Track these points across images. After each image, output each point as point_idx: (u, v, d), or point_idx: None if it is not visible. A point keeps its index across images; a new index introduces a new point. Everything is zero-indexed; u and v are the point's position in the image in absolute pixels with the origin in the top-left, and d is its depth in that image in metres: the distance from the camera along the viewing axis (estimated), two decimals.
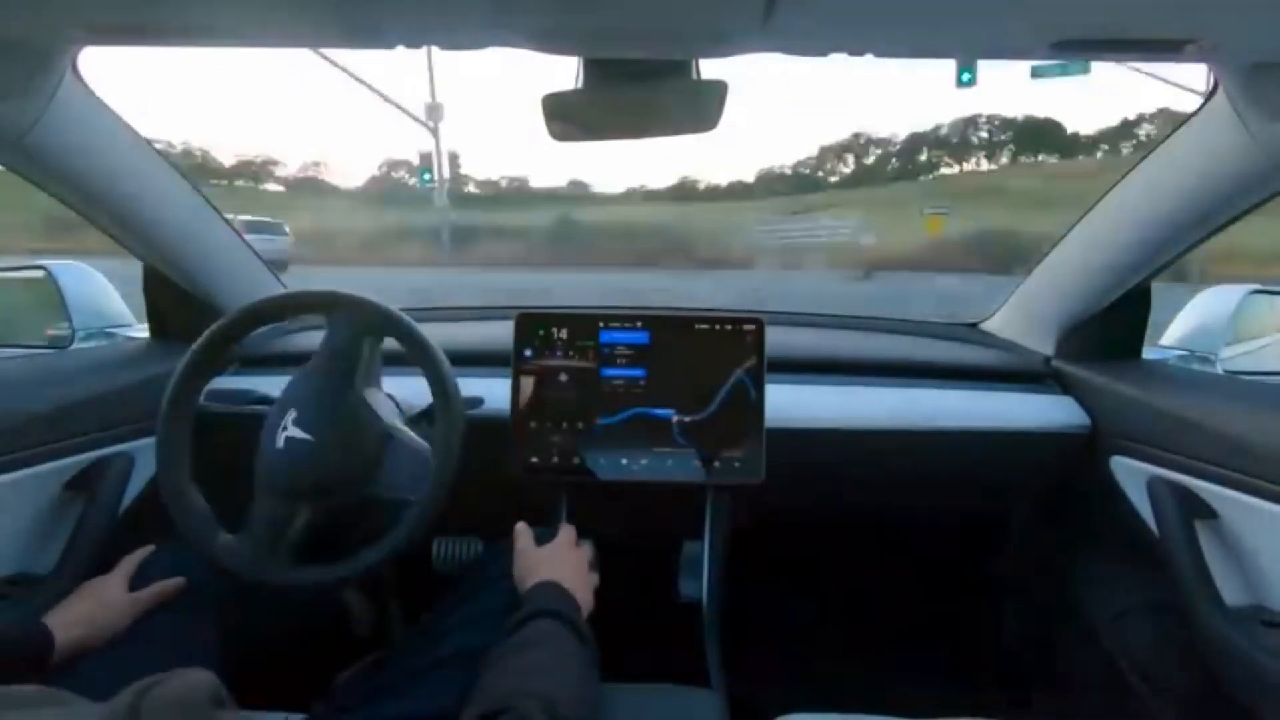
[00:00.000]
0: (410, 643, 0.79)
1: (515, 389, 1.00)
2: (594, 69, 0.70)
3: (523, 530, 0.82)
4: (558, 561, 0.77)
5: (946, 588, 1.40)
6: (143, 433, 0.99)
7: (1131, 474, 0.99)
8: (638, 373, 1.01)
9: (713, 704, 0.82)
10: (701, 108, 0.75)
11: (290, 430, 0.80)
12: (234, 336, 0.88)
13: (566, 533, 0.84)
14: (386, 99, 16.54)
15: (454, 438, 0.82)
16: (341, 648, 1.08)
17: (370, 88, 16.15)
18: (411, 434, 0.86)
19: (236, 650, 0.80)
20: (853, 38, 0.63)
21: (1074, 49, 0.61)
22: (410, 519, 0.81)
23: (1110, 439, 1.04)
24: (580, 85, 0.71)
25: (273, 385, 0.90)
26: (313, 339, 1.24)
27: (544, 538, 0.82)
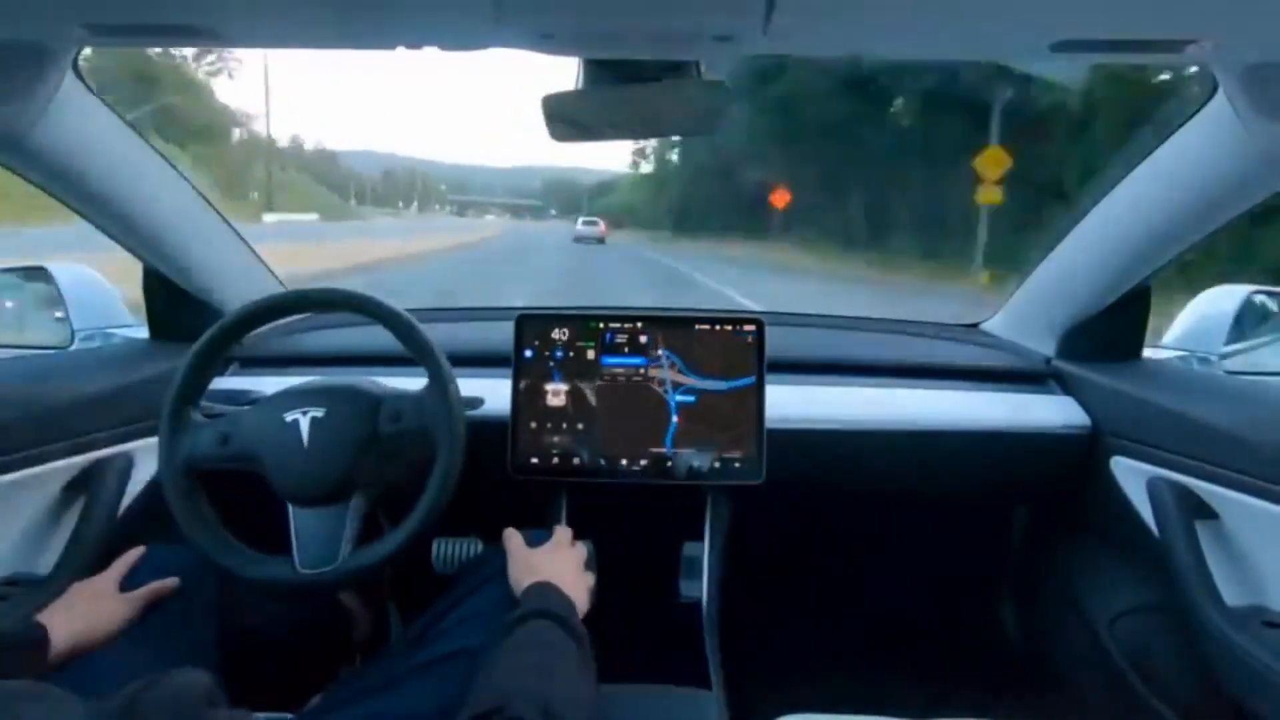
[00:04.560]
0: (407, 641, 0.79)
1: (515, 389, 1.00)
2: (594, 69, 0.70)
3: (513, 533, 0.82)
4: (552, 562, 0.77)
5: (947, 588, 1.40)
6: (143, 433, 0.98)
7: (1132, 474, 0.99)
8: (637, 372, 1.01)
9: (713, 705, 0.82)
10: (702, 108, 0.75)
11: (307, 419, 0.81)
12: (234, 337, 0.88)
13: (561, 533, 0.84)
14: None
15: (455, 438, 0.82)
16: (339, 648, 1.07)
17: None
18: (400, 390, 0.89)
19: (234, 650, 0.80)
20: (853, 38, 0.63)
21: (1074, 49, 0.61)
22: (412, 519, 0.81)
23: (1110, 439, 1.04)
24: (580, 86, 0.71)
25: (273, 385, 0.90)
26: (313, 339, 1.25)
27: (538, 539, 0.82)
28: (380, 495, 0.85)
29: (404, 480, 0.86)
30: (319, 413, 0.82)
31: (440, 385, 0.83)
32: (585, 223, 23.84)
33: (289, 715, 0.74)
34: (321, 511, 0.82)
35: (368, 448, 0.82)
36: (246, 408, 0.87)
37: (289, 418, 0.82)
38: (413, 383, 0.90)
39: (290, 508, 0.83)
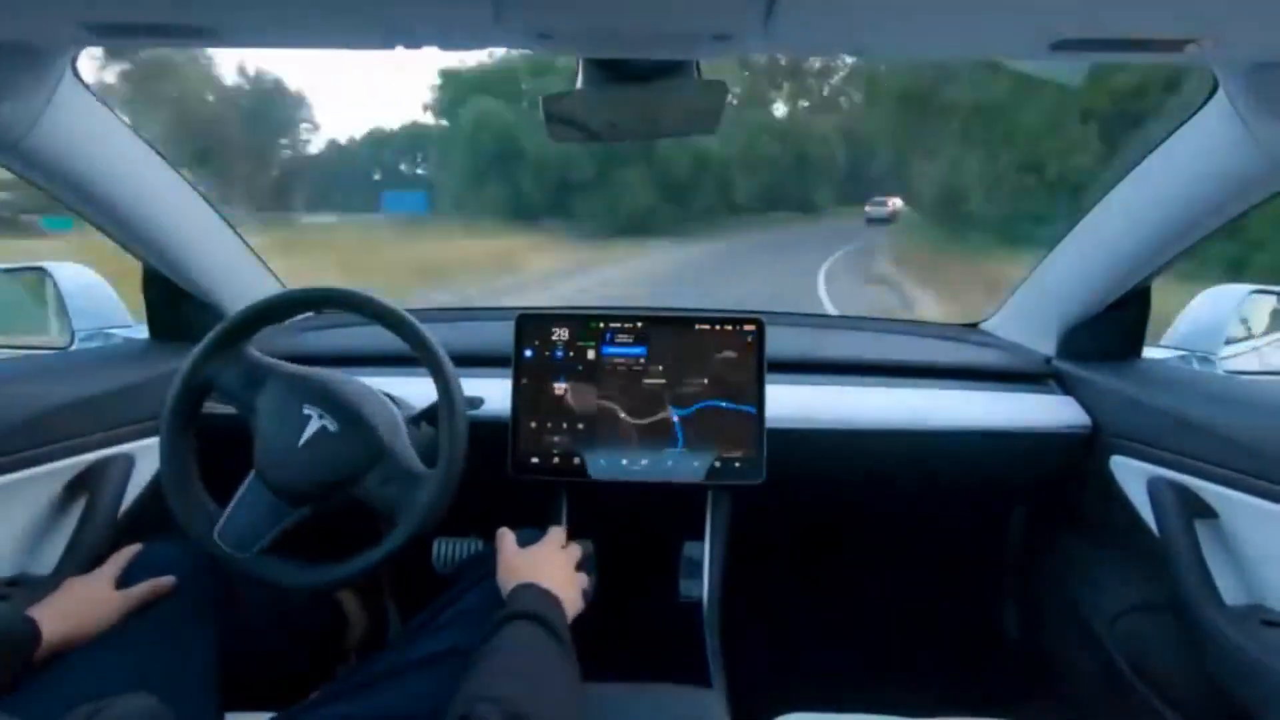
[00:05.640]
0: (400, 641, 0.79)
1: (515, 389, 1.00)
2: (594, 69, 0.70)
3: (505, 534, 0.82)
4: (541, 563, 0.77)
5: (947, 587, 1.40)
6: (143, 433, 0.99)
7: (1132, 474, 0.99)
8: (637, 372, 1.01)
9: (713, 704, 0.82)
10: (702, 108, 0.75)
11: (318, 425, 0.81)
12: (236, 338, 0.87)
13: (554, 534, 0.84)
14: None
15: (457, 437, 0.82)
16: (337, 648, 1.08)
17: None
18: (406, 439, 0.86)
19: (231, 649, 0.80)
20: (853, 37, 0.63)
21: (1074, 48, 0.61)
22: (413, 519, 0.81)
23: (1111, 439, 1.04)
24: (580, 86, 0.71)
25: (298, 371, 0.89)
26: (313, 339, 1.25)
27: (531, 539, 0.82)
28: (326, 518, 0.84)
29: (356, 520, 0.85)
30: (331, 426, 0.81)
31: (445, 391, 0.83)
32: (874, 203, 20.49)
33: (280, 713, 0.74)
34: (268, 498, 0.81)
35: (345, 483, 0.81)
36: (285, 369, 0.86)
37: (305, 410, 0.81)
38: (413, 383, 0.89)
39: (251, 476, 0.82)
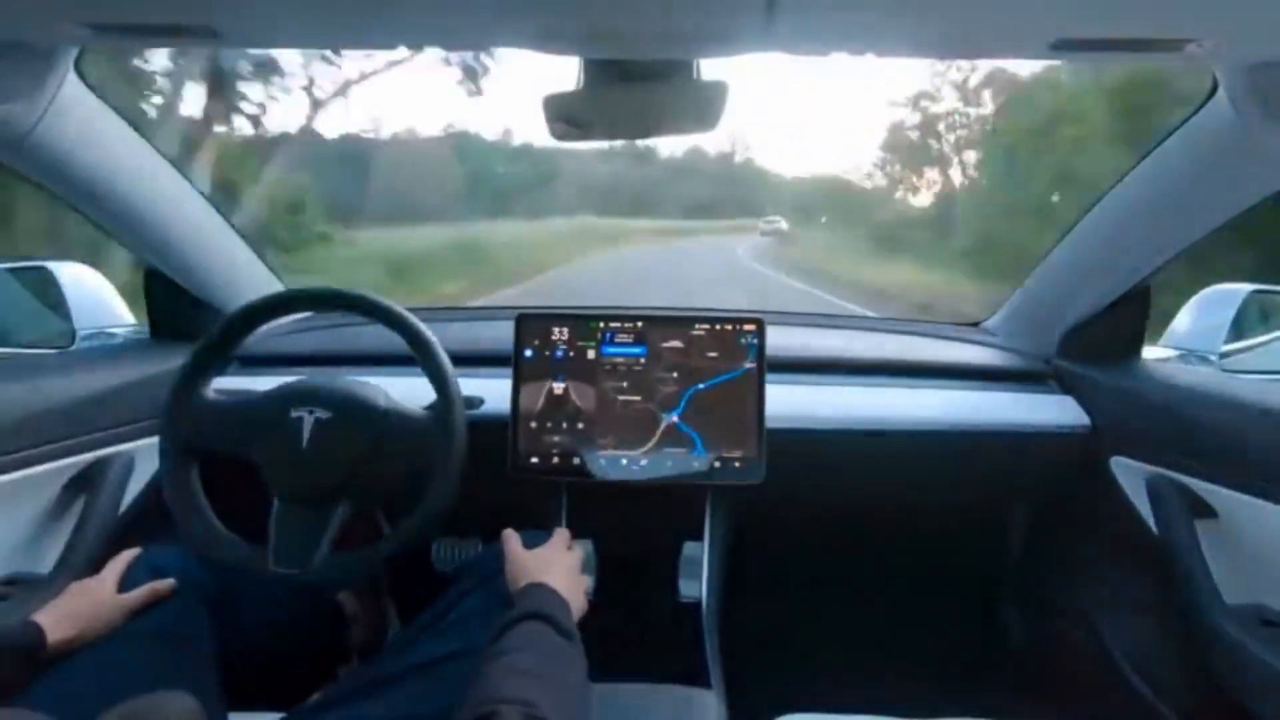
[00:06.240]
0: (404, 642, 0.79)
1: (515, 389, 1.00)
2: (594, 69, 0.70)
3: (510, 535, 0.82)
4: (547, 563, 0.77)
5: (947, 587, 1.40)
6: (143, 433, 0.99)
7: (1132, 473, 0.99)
8: (637, 372, 1.01)
9: (712, 704, 0.82)
10: (702, 108, 0.75)
11: (311, 419, 0.81)
12: (235, 337, 0.88)
13: (559, 535, 0.84)
14: None
15: (457, 436, 0.82)
16: (337, 648, 1.08)
17: None
18: (406, 406, 0.87)
19: (231, 651, 0.80)
20: (853, 37, 0.63)
21: (1074, 48, 0.62)
22: (414, 518, 0.81)
23: (1110, 438, 1.04)
24: (580, 86, 0.71)
25: (273, 385, 0.90)
26: (313, 339, 1.25)
27: (535, 540, 0.82)
28: (367, 505, 0.85)
29: (395, 494, 0.85)
30: (325, 415, 0.81)
31: (444, 391, 0.83)
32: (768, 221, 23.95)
33: (279, 714, 0.74)
34: (304, 511, 0.82)
35: (365, 460, 0.82)
36: (257, 394, 0.87)
37: (294, 414, 0.82)
38: (413, 383, 0.89)
39: (275, 501, 0.82)
